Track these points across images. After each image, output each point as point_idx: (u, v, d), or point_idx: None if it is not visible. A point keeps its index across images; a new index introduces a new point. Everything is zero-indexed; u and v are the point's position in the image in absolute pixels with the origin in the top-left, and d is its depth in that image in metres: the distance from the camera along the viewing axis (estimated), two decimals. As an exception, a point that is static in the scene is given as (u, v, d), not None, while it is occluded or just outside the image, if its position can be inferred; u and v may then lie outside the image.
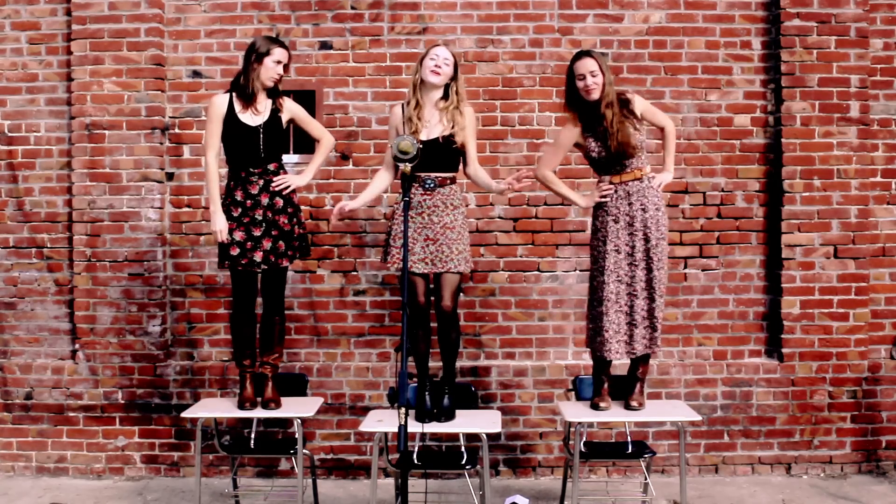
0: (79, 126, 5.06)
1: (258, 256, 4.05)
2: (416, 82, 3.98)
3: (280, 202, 4.08)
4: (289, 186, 4.09)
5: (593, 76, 3.92)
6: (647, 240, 3.95)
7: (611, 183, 4.02)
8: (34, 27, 5.16)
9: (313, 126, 4.30)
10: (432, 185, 3.92)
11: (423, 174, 3.91)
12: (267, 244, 4.06)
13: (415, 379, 4.15)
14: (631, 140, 3.92)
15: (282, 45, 4.12)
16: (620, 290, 3.96)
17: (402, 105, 4.06)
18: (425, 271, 3.93)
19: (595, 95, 3.93)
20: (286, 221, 4.10)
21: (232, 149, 4.10)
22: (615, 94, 3.96)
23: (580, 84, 3.95)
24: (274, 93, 4.13)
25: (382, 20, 5.14)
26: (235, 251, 4.06)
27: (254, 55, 4.05)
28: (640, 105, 4.03)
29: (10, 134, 5.18)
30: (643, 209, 3.95)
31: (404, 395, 3.07)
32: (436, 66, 3.91)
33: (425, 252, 3.92)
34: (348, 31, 5.16)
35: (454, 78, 3.98)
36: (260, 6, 5.15)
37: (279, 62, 4.07)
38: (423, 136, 3.91)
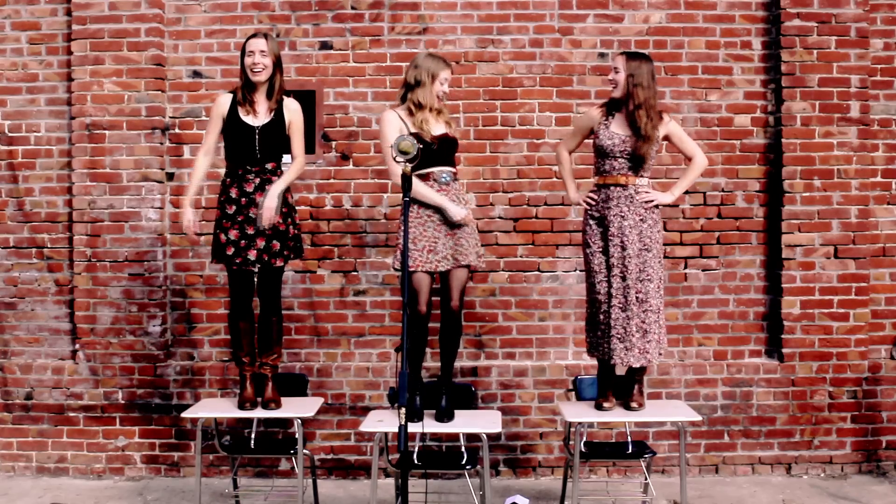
0: (79, 126, 5.06)
1: (252, 255, 4.04)
2: (432, 94, 4.00)
3: None
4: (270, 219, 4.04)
5: (616, 72, 3.98)
6: (623, 248, 3.93)
7: (595, 185, 4.07)
8: (34, 27, 5.16)
9: (296, 141, 4.19)
10: (448, 179, 3.97)
11: (436, 169, 3.95)
12: (261, 243, 4.05)
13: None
14: (647, 151, 3.95)
15: (255, 35, 4.09)
16: (607, 290, 3.97)
17: (395, 111, 4.05)
18: (441, 268, 3.93)
19: (615, 93, 4.00)
20: (281, 221, 4.08)
21: (230, 147, 4.12)
22: (646, 101, 3.93)
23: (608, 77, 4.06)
24: (271, 92, 4.09)
25: (383, 20, 5.14)
26: (230, 250, 4.06)
27: (241, 55, 4.10)
28: (670, 128, 4.04)
29: (10, 134, 5.18)
30: (621, 216, 3.95)
31: (404, 395, 3.07)
32: (443, 92, 4.02)
33: (446, 249, 3.93)
34: (348, 31, 5.16)
35: None
36: (260, 6, 5.15)
37: (251, 52, 4.03)
38: (435, 132, 3.97)
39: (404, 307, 3.18)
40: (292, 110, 4.16)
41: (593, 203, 4.05)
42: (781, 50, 4.97)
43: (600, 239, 4.00)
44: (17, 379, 5.10)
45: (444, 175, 3.96)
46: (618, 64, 3.98)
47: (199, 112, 5.15)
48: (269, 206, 4.01)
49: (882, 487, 4.77)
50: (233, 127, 4.08)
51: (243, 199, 4.06)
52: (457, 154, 4.14)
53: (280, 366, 4.37)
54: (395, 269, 4.10)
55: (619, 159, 3.97)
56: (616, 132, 3.99)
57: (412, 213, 3.94)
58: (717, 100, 5.10)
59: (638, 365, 3.96)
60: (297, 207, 4.27)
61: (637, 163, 3.97)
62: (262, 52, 4.03)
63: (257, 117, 4.08)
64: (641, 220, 3.96)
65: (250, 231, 4.05)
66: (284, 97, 4.15)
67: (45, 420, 5.07)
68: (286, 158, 4.23)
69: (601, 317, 4.00)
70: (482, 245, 5.00)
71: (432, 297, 4.00)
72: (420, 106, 3.98)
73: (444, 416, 3.93)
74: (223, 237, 4.07)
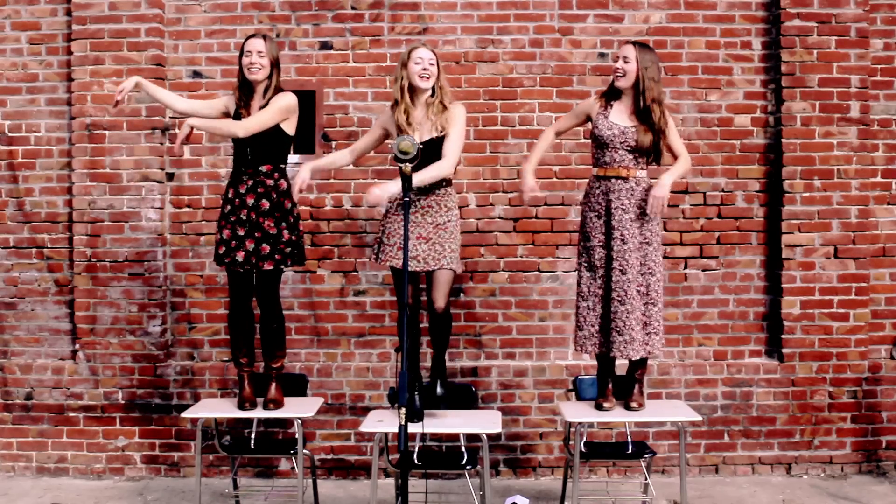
0: (79, 126, 5.06)
1: (240, 256, 4.04)
2: (405, 87, 3.94)
3: (266, 204, 4.05)
4: None
5: (626, 61, 3.93)
6: (623, 241, 3.92)
7: (594, 176, 4.05)
8: (34, 27, 5.16)
9: (261, 113, 4.00)
10: (427, 186, 3.91)
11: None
12: (249, 245, 4.04)
13: None
14: (649, 143, 3.95)
15: (254, 36, 4.09)
16: (607, 284, 3.95)
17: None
18: (417, 269, 3.92)
19: (621, 82, 3.95)
20: (272, 225, 4.05)
21: (233, 150, 4.16)
22: (659, 95, 3.93)
23: (614, 65, 4.00)
24: (266, 91, 4.07)
25: (383, 20, 5.14)
26: (222, 249, 4.07)
27: (239, 56, 4.09)
28: (669, 122, 4.01)
29: (10, 134, 5.18)
30: (623, 209, 3.93)
31: (404, 395, 3.07)
32: (423, 69, 3.90)
33: (417, 250, 3.90)
34: (348, 31, 5.16)
35: (438, 76, 3.97)
36: (260, 6, 5.15)
37: (249, 52, 4.02)
38: (416, 138, 3.89)
39: (402, 307, 3.19)
40: (276, 98, 4.04)
41: (536, 196, 4.08)
42: (781, 50, 4.97)
43: (601, 232, 3.99)
44: (17, 379, 5.09)
45: None
46: (627, 53, 3.93)
47: (199, 112, 5.14)
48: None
49: (882, 487, 4.77)
50: None
51: (237, 200, 4.07)
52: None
53: (283, 366, 4.35)
54: (375, 261, 4.06)
55: (620, 150, 3.95)
56: (615, 122, 3.97)
57: (391, 210, 3.98)
58: (717, 100, 5.10)
59: (638, 357, 3.95)
60: (296, 211, 4.19)
61: (646, 154, 3.97)
62: (260, 52, 4.02)
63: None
64: (643, 213, 3.95)
65: (241, 232, 4.05)
66: (278, 94, 4.08)
67: (45, 420, 5.07)
68: (293, 158, 4.22)
69: (599, 310, 3.99)
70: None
71: (420, 294, 4.05)
72: (398, 102, 3.95)
73: (441, 402, 3.93)
74: (218, 236, 4.09)
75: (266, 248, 4.05)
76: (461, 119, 3.96)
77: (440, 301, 3.93)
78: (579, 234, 4.13)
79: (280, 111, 4.04)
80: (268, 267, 4.06)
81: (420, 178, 3.73)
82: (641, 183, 3.97)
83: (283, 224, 4.09)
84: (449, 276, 3.94)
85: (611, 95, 4.04)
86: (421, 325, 4.20)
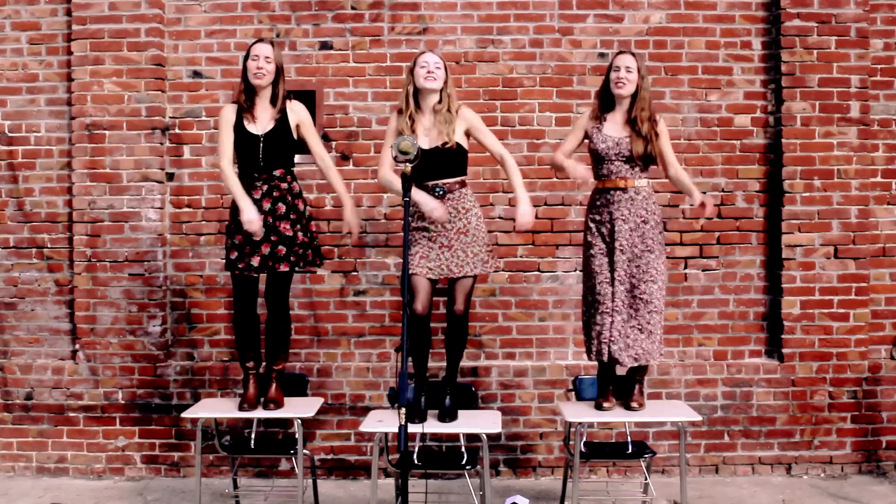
0: (79, 126, 5.06)
1: (255, 261, 4.03)
2: (410, 92, 3.96)
3: (282, 208, 4.05)
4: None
5: (629, 71, 3.98)
6: (623, 251, 3.95)
7: (595, 189, 4.10)
8: (34, 27, 5.16)
9: (314, 141, 4.18)
10: (441, 193, 3.92)
11: (430, 183, 3.91)
12: (265, 249, 4.03)
13: (412, 380, 4.14)
14: (643, 151, 3.98)
15: (262, 40, 4.10)
16: (608, 291, 3.98)
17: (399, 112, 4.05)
18: (441, 277, 3.92)
19: (623, 91, 3.98)
20: (288, 227, 4.05)
21: (239, 157, 4.11)
22: (650, 104, 4.00)
23: (613, 76, 4.01)
24: (274, 99, 4.07)
25: (383, 20, 5.14)
26: (234, 255, 4.06)
27: (244, 59, 4.09)
28: (660, 128, 4.04)
29: (10, 134, 5.18)
30: (623, 220, 3.96)
31: (404, 395, 3.07)
32: (428, 72, 3.91)
33: (441, 259, 3.91)
34: (348, 31, 5.16)
35: (445, 81, 3.98)
36: (260, 6, 5.15)
37: (256, 56, 4.01)
38: (425, 145, 3.88)
39: (404, 307, 3.18)
40: (297, 111, 4.12)
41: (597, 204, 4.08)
42: (781, 50, 4.97)
43: (602, 241, 4.02)
44: (17, 379, 5.10)
45: (437, 189, 3.92)
46: (629, 63, 3.99)
47: (199, 112, 5.14)
48: (353, 222, 4.20)
49: (882, 487, 4.77)
50: (239, 137, 4.07)
51: None
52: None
53: (285, 367, 4.35)
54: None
55: (616, 162, 3.99)
56: (609, 135, 4.02)
57: (414, 217, 3.95)
58: (717, 100, 5.10)
59: (635, 364, 3.98)
60: (308, 212, 4.19)
61: (643, 162, 4.00)
62: (267, 58, 4.02)
63: (260, 125, 4.06)
64: (643, 221, 3.97)
65: (256, 237, 4.04)
66: (288, 102, 4.11)
67: (45, 420, 5.07)
68: (298, 159, 4.23)
69: (598, 318, 4.01)
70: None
71: (434, 298, 4.01)
72: (402, 111, 3.96)
73: (447, 415, 3.93)
74: (229, 242, 4.08)
75: (282, 249, 4.05)
76: (477, 117, 4.08)
77: (460, 304, 3.94)
78: (583, 241, 4.15)
79: (312, 121, 4.19)
80: (283, 269, 4.06)
81: (522, 190, 4.10)
82: (641, 192, 4.00)
83: (298, 226, 4.10)
84: (469, 282, 3.96)
85: (603, 109, 4.09)
86: (432, 327, 4.19)
